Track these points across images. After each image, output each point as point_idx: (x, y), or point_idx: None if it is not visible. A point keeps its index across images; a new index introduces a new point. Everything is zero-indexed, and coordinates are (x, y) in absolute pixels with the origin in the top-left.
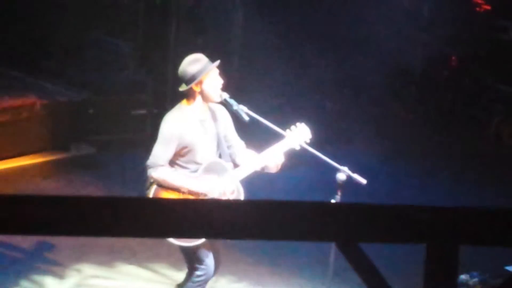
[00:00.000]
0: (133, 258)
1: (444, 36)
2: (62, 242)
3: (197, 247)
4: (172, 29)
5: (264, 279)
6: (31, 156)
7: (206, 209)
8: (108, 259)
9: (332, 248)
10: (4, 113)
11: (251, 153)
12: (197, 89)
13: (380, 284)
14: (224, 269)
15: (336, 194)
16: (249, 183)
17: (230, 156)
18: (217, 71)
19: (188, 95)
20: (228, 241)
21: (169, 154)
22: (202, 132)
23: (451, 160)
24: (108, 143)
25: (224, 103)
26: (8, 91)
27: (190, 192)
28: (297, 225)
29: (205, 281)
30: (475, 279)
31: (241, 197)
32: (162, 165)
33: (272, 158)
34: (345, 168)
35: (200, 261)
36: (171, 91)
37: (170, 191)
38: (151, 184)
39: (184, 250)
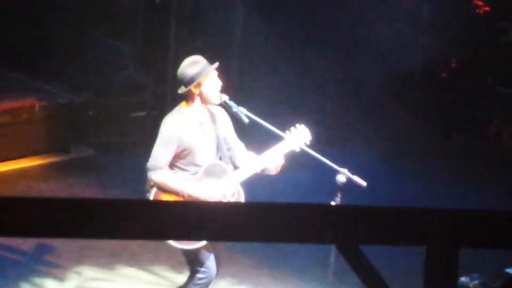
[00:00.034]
0: (133, 260)
1: (444, 37)
2: (62, 244)
3: (198, 250)
4: (172, 30)
5: (264, 281)
6: (30, 158)
7: (206, 211)
8: (108, 261)
9: (332, 250)
10: (4, 114)
11: (251, 155)
12: (196, 91)
13: (380, 285)
14: (224, 271)
15: (336, 196)
16: (249, 185)
17: (230, 158)
18: (216, 73)
19: (187, 97)
20: (229, 243)
21: (169, 157)
22: (201, 134)
23: (451, 161)
24: (107, 144)
25: (224, 105)
26: (8, 93)
27: (189, 196)
28: (297, 227)
29: (207, 284)
30: (475, 281)
31: (242, 199)
32: (162, 168)
33: (272, 160)
34: (345, 170)
35: (201, 264)
36: (171, 92)
37: (170, 195)
38: (152, 186)
39: (186, 253)
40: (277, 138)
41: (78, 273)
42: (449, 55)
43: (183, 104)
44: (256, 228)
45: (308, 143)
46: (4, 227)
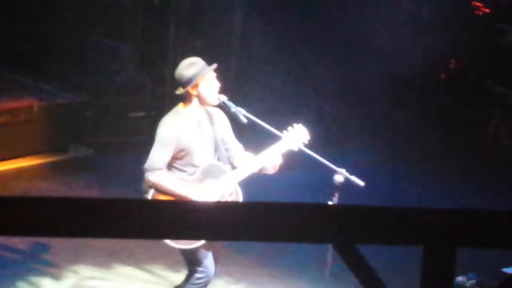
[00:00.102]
0: (131, 259)
1: (444, 38)
2: (59, 243)
3: (196, 249)
4: (171, 31)
5: (262, 280)
6: (29, 157)
7: (204, 210)
8: (105, 260)
9: (329, 250)
10: (3, 114)
11: (249, 155)
12: (193, 92)
13: (377, 285)
14: (221, 270)
15: (334, 196)
16: (247, 185)
17: (228, 159)
18: (214, 74)
19: (185, 99)
20: (226, 242)
21: (167, 157)
22: (199, 135)
23: (450, 161)
24: (106, 145)
25: (222, 106)
26: (7, 93)
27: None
28: (294, 227)
29: (206, 283)
30: (472, 281)
31: (240, 199)
32: (160, 169)
33: (270, 160)
34: (343, 170)
35: (199, 263)
36: (170, 93)
37: (167, 196)
38: (149, 187)
39: (184, 253)
40: (275, 139)
41: (75, 272)
42: (448, 56)
43: (181, 105)
44: (254, 227)
45: (306, 142)
46: (2, 227)
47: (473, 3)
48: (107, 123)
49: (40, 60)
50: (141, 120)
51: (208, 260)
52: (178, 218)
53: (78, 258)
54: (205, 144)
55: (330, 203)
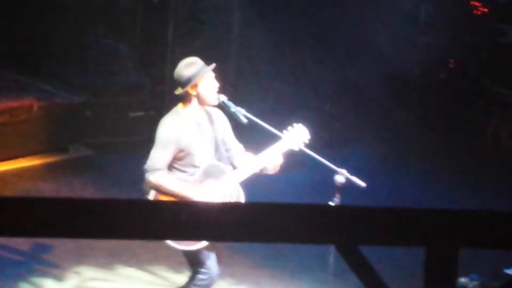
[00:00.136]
0: (133, 260)
1: (443, 38)
2: (61, 244)
3: (199, 250)
4: (170, 31)
5: (264, 281)
6: (29, 158)
7: (206, 211)
8: (107, 261)
9: (331, 251)
10: (2, 114)
11: (249, 155)
12: (192, 92)
13: (379, 286)
14: (223, 271)
15: (335, 196)
16: (248, 185)
17: (229, 159)
18: (212, 74)
19: (184, 99)
20: (228, 243)
21: (167, 158)
22: (199, 135)
23: (450, 161)
24: (106, 145)
25: (222, 105)
26: (6, 93)
27: (186, 199)
28: (296, 228)
29: (209, 285)
30: (475, 282)
31: (241, 199)
32: (160, 169)
33: (270, 159)
34: (344, 171)
35: (202, 264)
36: (169, 93)
37: (168, 197)
38: (150, 188)
39: (186, 254)
40: (275, 139)
41: (77, 273)
42: (448, 56)
43: (180, 106)
44: (255, 228)
45: (306, 142)
46: (2, 227)
47: (472, 2)
48: (106, 123)
49: (40, 60)
50: (140, 120)
51: (211, 261)
52: (180, 219)
53: (80, 259)
54: (205, 145)
55: (331, 203)
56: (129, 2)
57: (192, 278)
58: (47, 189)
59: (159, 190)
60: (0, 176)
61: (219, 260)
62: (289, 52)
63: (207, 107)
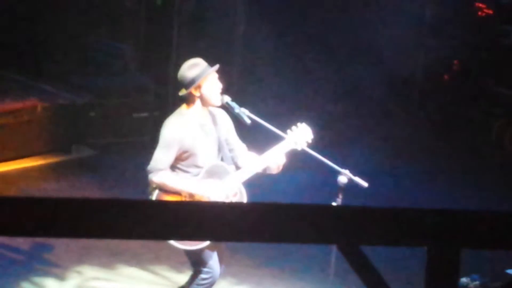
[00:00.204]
0: (135, 260)
1: (446, 39)
2: (63, 244)
3: (201, 250)
4: (174, 32)
5: (265, 281)
6: (32, 158)
7: (208, 211)
8: (109, 261)
9: (332, 250)
10: (6, 115)
11: (252, 155)
12: (196, 93)
13: (381, 286)
14: (225, 271)
15: (337, 197)
16: (251, 185)
17: (232, 159)
18: (216, 75)
19: (188, 100)
20: (230, 243)
21: (170, 159)
22: (202, 136)
23: (452, 162)
24: (109, 145)
25: (226, 106)
26: (10, 94)
27: (191, 196)
28: (298, 228)
29: (211, 284)
30: (476, 282)
31: (244, 199)
32: (163, 170)
33: (273, 159)
34: (347, 171)
35: (204, 264)
36: (173, 94)
37: (172, 195)
38: (154, 188)
39: (188, 254)
40: (279, 139)
41: (79, 272)
42: (451, 57)
43: (183, 107)
44: (257, 228)
45: (310, 141)
46: (5, 227)
47: (476, 4)
48: (110, 123)
49: (43, 61)
50: (144, 120)
51: (213, 261)
52: (182, 219)
53: (82, 258)
54: (208, 145)
55: (334, 204)
56: (133, 2)
57: (194, 278)
58: (50, 189)
59: (164, 189)
60: (3, 176)
61: (221, 260)
62: (293, 53)
63: (210, 108)
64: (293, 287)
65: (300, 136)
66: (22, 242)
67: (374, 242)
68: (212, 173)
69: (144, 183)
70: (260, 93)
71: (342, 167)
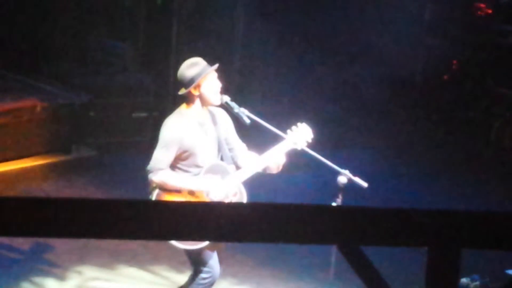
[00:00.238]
0: (135, 260)
1: (446, 39)
2: (63, 244)
3: (202, 250)
4: (174, 31)
5: (265, 281)
6: (32, 158)
7: (207, 211)
8: (109, 261)
9: (333, 251)
10: (5, 115)
11: (252, 155)
12: (195, 92)
13: (381, 286)
14: (225, 271)
15: (337, 197)
16: (251, 185)
17: (232, 158)
18: (215, 74)
19: (188, 99)
20: (230, 243)
21: (170, 158)
22: (202, 135)
23: (452, 163)
24: (109, 145)
25: (225, 106)
26: (9, 93)
27: (191, 193)
28: (298, 228)
29: (211, 283)
30: (476, 282)
31: (244, 199)
32: (162, 169)
33: (273, 159)
34: (346, 171)
35: (204, 264)
36: (172, 93)
37: (172, 194)
38: (154, 187)
39: (188, 253)
40: (278, 139)
41: (79, 272)
42: (450, 57)
43: (183, 106)
44: (257, 228)
45: (310, 141)
46: (5, 227)
47: (476, 4)
48: (110, 123)
49: (42, 60)
50: (144, 120)
51: (213, 260)
52: (182, 219)
53: (82, 259)
54: (208, 145)
55: (333, 204)
56: (132, 2)
57: (194, 277)
58: (50, 189)
59: (165, 188)
60: (3, 176)
61: (220, 260)
62: (293, 53)
63: (210, 107)
64: (293, 287)
65: (300, 136)
66: (23, 242)
67: (374, 242)
68: (212, 173)
69: (144, 183)
70: (259, 93)
71: (342, 167)
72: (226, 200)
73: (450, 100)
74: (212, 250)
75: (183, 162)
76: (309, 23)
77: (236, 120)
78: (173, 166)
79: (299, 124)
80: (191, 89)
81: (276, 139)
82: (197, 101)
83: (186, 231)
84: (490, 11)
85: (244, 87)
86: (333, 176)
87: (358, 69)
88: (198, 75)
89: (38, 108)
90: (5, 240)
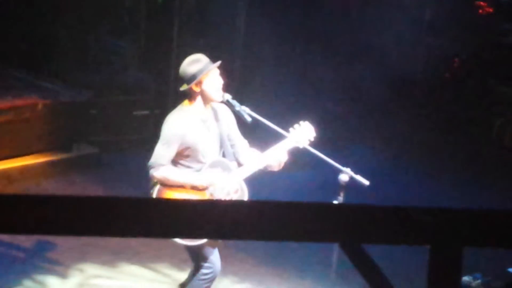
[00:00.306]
0: (136, 258)
1: (447, 38)
2: (65, 242)
3: (202, 246)
4: (175, 29)
5: (267, 279)
6: (33, 156)
7: (209, 209)
8: (111, 259)
9: (335, 249)
10: (7, 112)
11: (254, 152)
12: (196, 89)
13: (383, 284)
14: (226, 269)
15: (339, 195)
16: (252, 183)
17: (234, 155)
18: (217, 71)
19: (190, 96)
20: (231, 241)
21: (171, 154)
22: (204, 131)
23: (453, 162)
24: (110, 143)
25: (227, 104)
26: (10, 91)
27: (193, 188)
28: (300, 226)
29: (212, 279)
30: (478, 281)
31: (245, 196)
32: (164, 165)
33: (275, 157)
34: (348, 169)
35: (205, 259)
36: (173, 91)
37: (174, 189)
38: (155, 183)
39: (189, 249)
40: (280, 137)
41: (81, 270)
42: (452, 56)
43: (185, 102)
44: (258, 226)
45: (312, 140)
46: (6, 225)
47: (477, 2)
48: (111, 121)
49: (44, 58)
50: (145, 118)
51: (214, 256)
52: (183, 217)
53: (83, 256)
54: (210, 141)
55: (335, 202)
56: (133, 1)
57: (195, 273)
58: (51, 187)
59: (166, 184)
60: (3, 174)
61: (220, 257)
62: (294, 51)
63: (213, 103)
64: (294, 286)
65: (302, 134)
66: (24, 240)
67: (376, 240)
68: (214, 169)
69: (145, 181)
70: (260, 91)
71: (343, 166)
72: (227, 197)
73: (451, 99)
74: (213, 245)
75: (185, 158)
76: (310, 22)
77: (238, 118)
78: (174, 162)
79: (301, 122)
80: (193, 85)
81: (277, 137)
82: (199, 98)
83: (187, 228)
84: (491, 10)
85: (245, 86)
86: (334, 174)
87: (359, 68)
88: (200, 71)
89: (39, 106)
90: (6, 238)
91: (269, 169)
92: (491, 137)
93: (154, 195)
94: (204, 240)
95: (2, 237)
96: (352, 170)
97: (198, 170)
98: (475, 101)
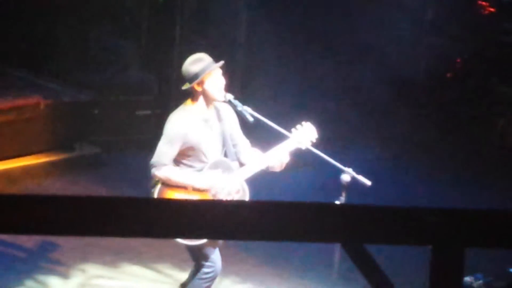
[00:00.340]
0: (138, 258)
1: (449, 38)
2: (67, 242)
3: (203, 245)
4: (177, 29)
5: (268, 279)
6: (35, 155)
7: (210, 209)
8: (112, 259)
9: (336, 249)
10: (9, 112)
11: (256, 152)
12: (198, 88)
13: (385, 284)
14: (228, 269)
15: (341, 195)
16: (253, 183)
17: (236, 155)
18: (220, 71)
19: (192, 95)
20: (232, 241)
21: (173, 154)
22: (206, 131)
23: (456, 160)
24: (112, 143)
25: (229, 104)
26: (13, 91)
27: (194, 189)
28: (302, 226)
29: (213, 278)
30: (480, 281)
31: (247, 196)
32: (166, 164)
33: (277, 157)
34: (350, 170)
35: (206, 258)
36: (175, 91)
37: (175, 189)
38: (156, 183)
39: (190, 248)
40: (282, 137)
41: (82, 270)
42: (453, 55)
43: (188, 102)
44: (261, 226)
45: (314, 141)
46: (9, 225)
47: (479, 2)
48: (113, 121)
49: (45, 58)
50: (147, 118)
51: (215, 255)
52: (185, 217)
53: (85, 257)
54: (212, 140)
55: (337, 202)
56: (135, 0)
57: (195, 273)
58: (53, 187)
59: (168, 183)
60: (6, 174)
61: (221, 257)
62: (296, 51)
63: (215, 103)
64: (296, 286)
65: (304, 135)
66: (26, 240)
67: (378, 240)
68: (216, 169)
69: (147, 180)
70: (262, 91)
71: (345, 166)
72: (229, 198)
73: (453, 99)
74: (214, 245)
75: (187, 158)
76: (312, 22)
77: (240, 118)
78: (176, 161)
79: (303, 123)
80: (194, 85)
81: (279, 137)
82: (201, 97)
83: (189, 229)
84: (493, 10)
85: (247, 86)
86: (336, 174)
87: (361, 68)
88: (202, 71)
89: (41, 106)
90: (8, 238)
91: (271, 169)
92: (494, 136)
93: (155, 195)
94: (205, 240)
95: (3, 237)
96: (354, 170)
97: (200, 170)
98: (476, 101)
